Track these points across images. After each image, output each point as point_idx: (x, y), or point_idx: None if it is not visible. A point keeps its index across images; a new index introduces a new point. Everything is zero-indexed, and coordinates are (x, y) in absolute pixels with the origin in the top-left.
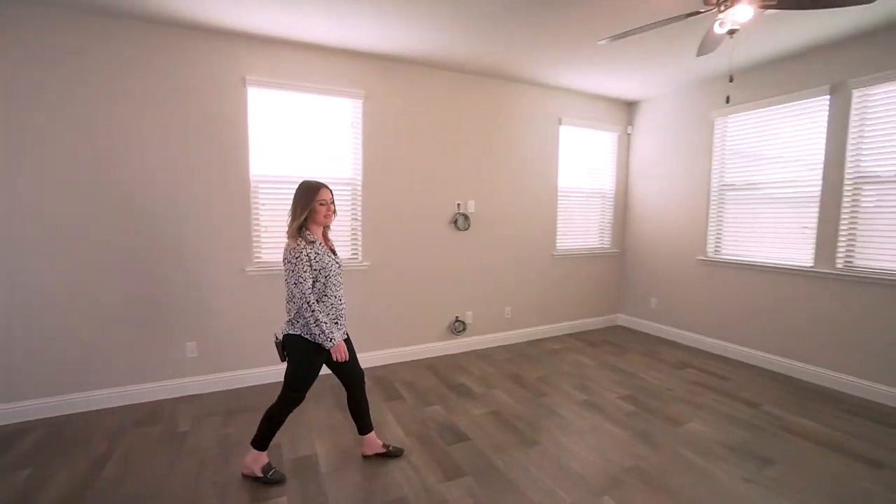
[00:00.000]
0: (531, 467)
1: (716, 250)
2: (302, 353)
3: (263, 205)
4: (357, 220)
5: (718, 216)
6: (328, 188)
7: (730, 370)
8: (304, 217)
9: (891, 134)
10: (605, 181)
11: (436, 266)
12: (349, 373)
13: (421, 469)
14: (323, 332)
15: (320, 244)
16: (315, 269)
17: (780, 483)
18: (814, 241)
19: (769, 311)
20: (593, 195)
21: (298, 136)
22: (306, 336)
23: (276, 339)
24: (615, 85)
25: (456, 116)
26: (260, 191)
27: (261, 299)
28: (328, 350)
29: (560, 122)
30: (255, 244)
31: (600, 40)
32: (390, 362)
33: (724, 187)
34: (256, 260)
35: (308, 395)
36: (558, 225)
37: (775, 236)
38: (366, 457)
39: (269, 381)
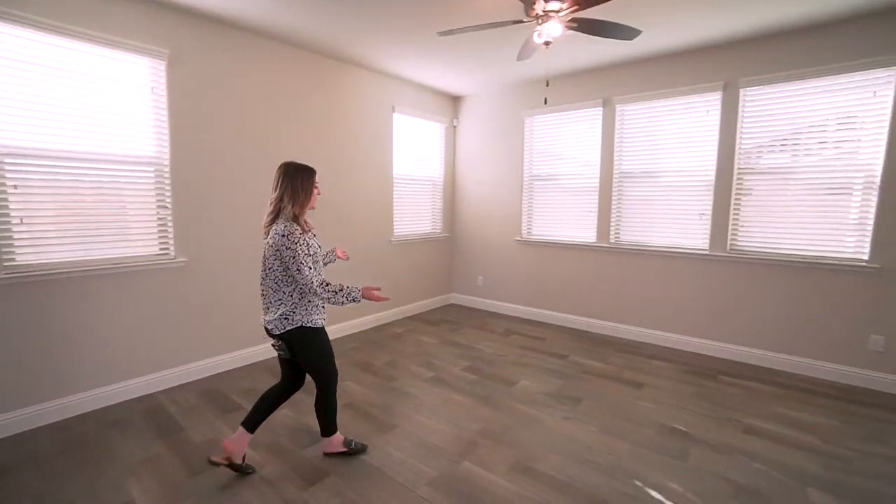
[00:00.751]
0: (393, 450)
1: (528, 231)
2: (315, 341)
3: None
4: (166, 207)
5: (529, 202)
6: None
7: (545, 332)
8: (303, 201)
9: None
10: (435, 169)
11: None
12: (298, 374)
13: (277, 482)
14: (346, 294)
15: (309, 228)
16: (310, 255)
17: (588, 414)
18: (596, 215)
19: (572, 279)
20: (425, 182)
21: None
22: (308, 325)
23: (275, 343)
24: (442, 78)
25: (290, 95)
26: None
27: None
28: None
29: (394, 110)
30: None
31: (439, 32)
32: (223, 370)
33: (534, 178)
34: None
35: (112, 424)
36: (395, 211)
37: (570, 218)
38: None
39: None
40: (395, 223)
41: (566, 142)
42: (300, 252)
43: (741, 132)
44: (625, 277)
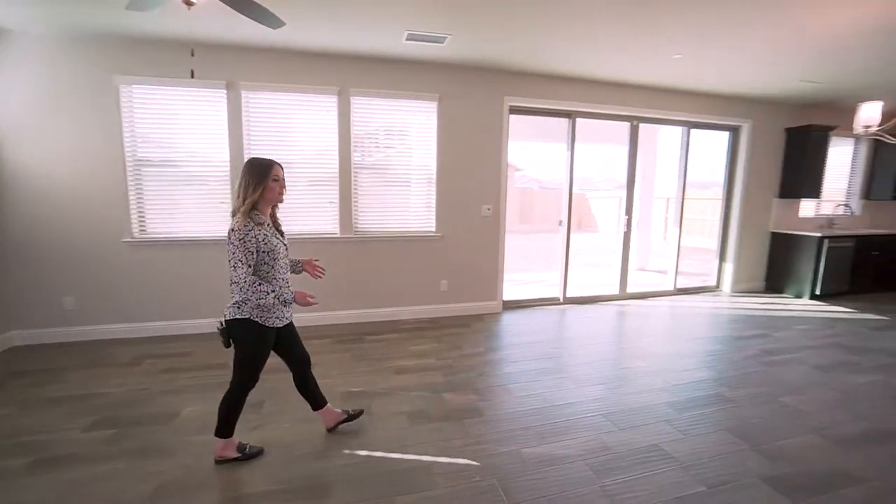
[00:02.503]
0: None
1: (141, 230)
2: (255, 336)
3: None
4: None
5: (138, 193)
6: (279, 164)
7: (189, 345)
8: (257, 195)
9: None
10: None
11: None
12: (299, 356)
13: None
14: (277, 297)
15: (268, 225)
16: (262, 252)
17: (277, 414)
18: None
19: (203, 278)
20: None
21: None
22: (257, 319)
23: (220, 325)
24: None
25: None
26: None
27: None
28: (276, 331)
29: None
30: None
31: None
32: None
33: (141, 162)
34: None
35: None
36: None
37: (196, 211)
38: (329, 430)
39: None
40: None
41: (183, 124)
42: (240, 251)
43: (354, 132)
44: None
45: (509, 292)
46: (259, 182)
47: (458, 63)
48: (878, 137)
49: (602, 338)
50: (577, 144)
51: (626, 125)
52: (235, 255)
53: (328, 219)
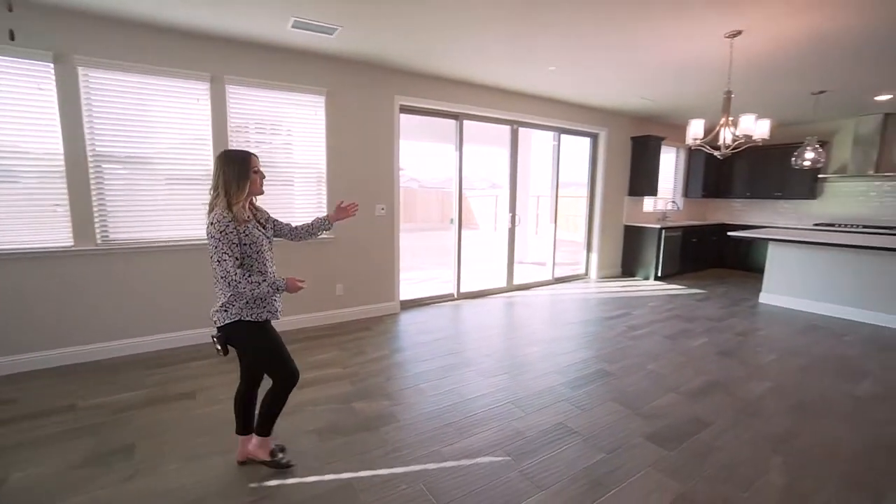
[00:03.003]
0: None
1: None
2: (253, 334)
3: None
4: None
5: None
6: (256, 155)
7: (15, 389)
8: (242, 190)
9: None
10: None
11: None
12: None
13: None
14: (270, 284)
15: (248, 217)
16: (245, 244)
17: (154, 455)
18: (70, 217)
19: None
20: None
21: None
22: (248, 318)
23: (214, 336)
24: None
25: None
26: None
27: None
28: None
29: None
30: None
31: None
32: None
33: None
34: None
35: None
36: None
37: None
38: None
39: None
40: None
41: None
42: (223, 243)
43: (231, 124)
44: (115, 285)
45: (406, 291)
46: (242, 176)
47: (348, 57)
48: (700, 147)
49: (497, 329)
50: (455, 145)
51: (507, 128)
52: (219, 247)
53: (198, 222)
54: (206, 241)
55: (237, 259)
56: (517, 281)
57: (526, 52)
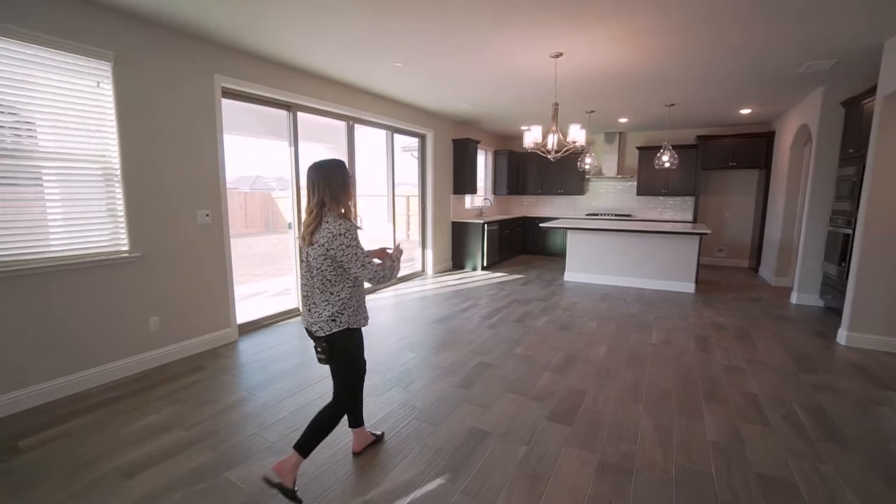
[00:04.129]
0: None
1: None
2: (355, 342)
3: None
4: None
5: None
6: None
7: None
8: (349, 198)
9: None
10: None
11: None
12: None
13: None
14: (392, 259)
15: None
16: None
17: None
18: None
19: None
20: None
21: None
22: (354, 325)
23: (321, 346)
24: None
25: None
26: None
27: None
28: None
29: None
30: None
31: None
32: None
33: None
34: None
35: None
36: None
37: None
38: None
39: None
40: None
41: None
42: (359, 248)
43: None
44: None
45: (243, 313)
46: (347, 183)
47: (151, 18)
48: (535, 151)
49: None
50: (289, 140)
51: (343, 124)
52: (357, 252)
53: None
54: None
55: (341, 269)
56: None
57: (366, 43)
